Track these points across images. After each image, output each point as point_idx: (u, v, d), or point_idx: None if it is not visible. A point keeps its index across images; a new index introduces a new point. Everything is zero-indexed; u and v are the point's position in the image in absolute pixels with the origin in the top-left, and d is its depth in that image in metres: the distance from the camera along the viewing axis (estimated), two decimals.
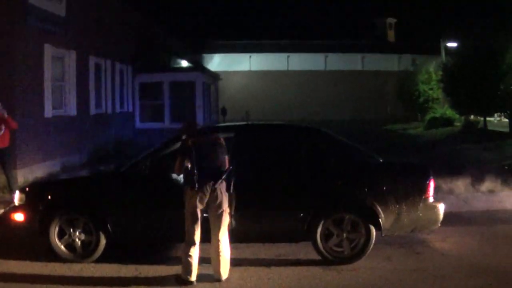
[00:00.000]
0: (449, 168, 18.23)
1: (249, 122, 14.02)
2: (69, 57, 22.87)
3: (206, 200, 8.88)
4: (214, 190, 8.87)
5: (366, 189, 10.04)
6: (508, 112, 36.45)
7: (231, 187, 9.11)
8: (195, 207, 8.84)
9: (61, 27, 21.61)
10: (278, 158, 10.48)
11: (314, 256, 10.17)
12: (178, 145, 9.42)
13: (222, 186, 8.98)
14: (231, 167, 9.10)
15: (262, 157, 10.47)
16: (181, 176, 9.12)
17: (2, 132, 15.92)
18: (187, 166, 8.82)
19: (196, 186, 8.71)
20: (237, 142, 10.23)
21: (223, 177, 8.94)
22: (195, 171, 8.67)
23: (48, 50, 20.61)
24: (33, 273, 9.75)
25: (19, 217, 10.48)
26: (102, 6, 27.42)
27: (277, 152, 10.56)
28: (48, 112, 20.59)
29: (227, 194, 9.06)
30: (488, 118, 42.38)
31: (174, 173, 9.50)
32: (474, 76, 35.33)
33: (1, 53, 17.74)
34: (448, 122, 45.61)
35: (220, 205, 8.97)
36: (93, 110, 26.00)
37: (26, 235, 10.89)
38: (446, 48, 49.68)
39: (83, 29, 24.19)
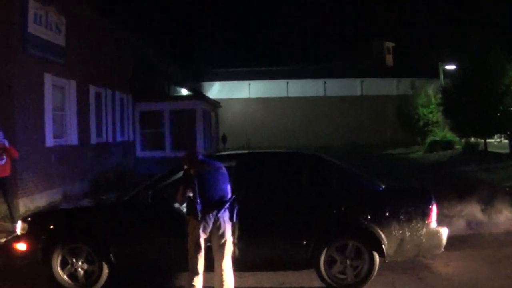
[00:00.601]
0: (451, 191, 18.20)
1: (251, 150, 14.03)
2: (69, 86, 22.96)
3: (209, 229, 8.87)
4: (217, 219, 8.86)
5: (368, 216, 10.01)
6: (508, 133, 36.50)
7: (234, 216, 9.10)
8: (198, 236, 8.83)
9: (61, 57, 21.70)
10: (280, 185, 10.46)
11: (318, 283, 10.14)
12: (180, 174, 9.44)
13: (225, 215, 8.97)
14: (234, 196, 9.09)
15: (264, 185, 10.46)
16: (184, 205, 9.11)
17: (3, 161, 15.95)
18: (190, 196, 8.82)
19: (199, 215, 8.70)
20: (239, 171, 10.24)
21: (226, 206, 8.93)
22: (198, 201, 8.66)
23: (49, 80, 20.69)
24: None
25: (21, 246, 10.46)
26: (101, 36, 27.55)
27: (279, 180, 10.54)
28: (49, 141, 20.63)
29: (230, 222, 9.05)
30: (488, 140, 42.36)
31: (176, 202, 9.51)
32: (472, 97, 35.38)
33: (1, 82, 17.77)
34: (449, 145, 45.59)
35: (223, 234, 8.96)
36: (94, 139, 26.03)
37: (28, 264, 10.89)
38: (445, 70, 49.85)
39: (82, 59, 24.28)
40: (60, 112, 22.35)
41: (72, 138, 23.17)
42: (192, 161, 9.15)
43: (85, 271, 10.28)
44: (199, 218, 8.73)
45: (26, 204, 18.37)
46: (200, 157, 9.36)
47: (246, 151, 12.77)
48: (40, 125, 20.09)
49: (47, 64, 20.54)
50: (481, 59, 35.61)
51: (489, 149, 39.74)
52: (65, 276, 10.24)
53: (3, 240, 14.46)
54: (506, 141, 39.58)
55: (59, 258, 10.21)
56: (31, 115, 19.30)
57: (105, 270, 10.23)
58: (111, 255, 10.14)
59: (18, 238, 10.64)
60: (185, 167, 9.19)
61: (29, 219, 10.96)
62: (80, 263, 10.24)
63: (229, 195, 9.07)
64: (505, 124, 35.00)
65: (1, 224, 16.62)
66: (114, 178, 26.48)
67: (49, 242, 10.31)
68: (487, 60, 34.94)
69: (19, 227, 10.74)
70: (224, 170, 9.20)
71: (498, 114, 34.75)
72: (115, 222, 10.34)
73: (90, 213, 10.90)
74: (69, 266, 10.24)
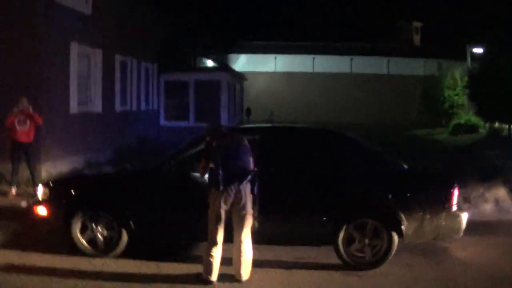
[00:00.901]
0: (474, 175, 18.08)
1: (275, 124, 14.01)
2: (95, 55, 23.00)
3: (230, 201, 8.89)
4: (239, 192, 8.88)
5: (390, 196, 10.00)
6: None
7: (255, 189, 9.11)
8: (219, 207, 8.85)
9: (87, 26, 21.71)
10: (303, 161, 10.44)
11: (335, 260, 10.15)
12: (202, 145, 9.43)
13: (246, 188, 8.98)
14: (256, 169, 9.10)
15: (286, 160, 10.45)
16: (206, 177, 9.12)
17: (27, 127, 16.04)
18: (212, 167, 8.83)
19: (221, 187, 8.72)
20: (262, 144, 10.23)
21: (248, 178, 8.94)
22: (220, 172, 8.68)
23: (74, 48, 20.74)
24: (54, 266, 9.81)
25: (42, 211, 10.57)
26: (127, 5, 27.47)
27: (302, 155, 10.52)
28: (74, 108, 20.72)
29: (251, 195, 9.07)
30: None
31: (198, 174, 9.53)
32: (499, 83, 35.02)
33: (28, 50, 17.84)
34: (473, 128, 45.23)
35: (244, 207, 8.98)
36: (118, 107, 26.13)
37: (49, 229, 10.99)
38: (472, 53, 49.36)
39: (109, 28, 24.26)
40: (85, 80, 22.40)
41: (96, 105, 23.24)
42: (215, 133, 9.15)
43: (105, 238, 10.36)
44: (221, 190, 8.74)
45: (48, 169, 18.47)
46: (223, 129, 9.36)
47: (270, 125, 12.77)
48: (65, 92, 20.17)
49: (73, 32, 20.56)
50: (510, 46, 35.18)
51: None
52: (84, 242, 10.33)
53: (24, 204, 14.59)
54: None
55: (79, 224, 10.30)
56: (56, 82, 19.36)
57: (125, 238, 10.30)
58: (131, 222, 10.21)
59: (39, 203, 10.73)
60: (208, 138, 9.20)
61: (51, 184, 11.04)
62: (100, 229, 10.32)
63: (251, 168, 9.08)
64: None
65: (23, 189, 16.76)
66: (137, 146, 26.58)
67: (70, 207, 10.39)
68: None
69: (40, 192, 10.83)
70: (246, 142, 9.19)
71: None
72: (136, 190, 10.39)
73: (112, 180, 10.97)
74: (88, 231, 10.33)
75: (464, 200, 14.34)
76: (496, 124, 42.96)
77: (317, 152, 10.58)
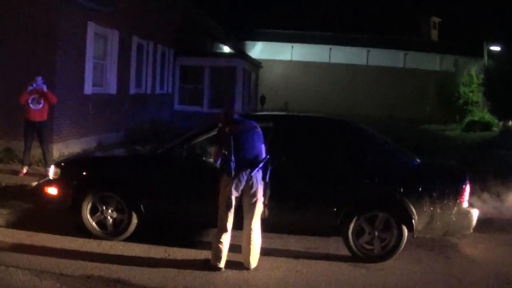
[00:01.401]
0: (486, 173, 18.01)
1: (289, 113, 13.98)
2: (112, 36, 22.99)
3: (241, 188, 8.88)
4: (250, 178, 8.87)
5: (401, 189, 9.95)
6: None
7: (267, 177, 9.09)
8: (230, 194, 8.84)
9: (106, 6, 21.62)
10: (316, 150, 10.41)
11: (344, 252, 10.15)
12: (215, 131, 9.41)
13: (258, 175, 8.97)
14: (268, 156, 9.07)
15: (299, 149, 10.41)
16: (218, 163, 9.10)
17: (41, 106, 16.03)
18: (225, 154, 8.81)
19: (233, 173, 8.70)
20: (275, 132, 10.20)
21: (260, 165, 8.92)
22: (232, 159, 8.66)
23: (92, 28, 20.73)
24: (63, 247, 9.85)
25: (52, 191, 10.57)
26: None
27: (315, 145, 10.49)
28: (88, 89, 20.71)
29: (262, 182, 9.05)
30: None
31: (210, 159, 9.52)
32: None
33: (45, 28, 17.83)
34: (486, 126, 45.03)
35: (255, 194, 8.97)
36: (132, 90, 26.11)
37: (58, 209, 10.99)
38: (489, 51, 49.12)
39: (127, 9, 24.19)
40: (101, 61, 22.40)
41: (111, 87, 23.23)
42: (228, 120, 9.12)
43: (114, 220, 10.40)
44: (232, 176, 8.73)
45: (61, 149, 18.51)
46: (236, 116, 9.33)
47: (283, 113, 12.72)
48: (80, 73, 20.15)
49: (91, 12, 20.48)
50: None
51: None
52: (94, 223, 10.36)
53: (34, 183, 14.61)
54: None
55: (89, 205, 10.33)
56: (72, 62, 19.36)
57: (134, 221, 10.33)
58: (141, 206, 10.22)
59: (50, 183, 10.76)
60: (220, 125, 9.18)
61: (62, 164, 11.06)
62: (110, 211, 10.35)
63: (263, 155, 9.05)
64: None
65: (35, 168, 16.79)
66: (150, 129, 26.58)
67: (80, 188, 10.42)
68: None
69: (51, 171, 10.84)
70: (259, 130, 9.17)
71: None
72: (148, 173, 10.40)
73: (124, 163, 10.99)
74: (98, 213, 10.36)
75: (475, 197, 14.27)
76: (510, 123, 42.81)
77: (330, 143, 10.53)
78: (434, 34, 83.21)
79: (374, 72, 70.32)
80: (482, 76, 45.17)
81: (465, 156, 23.81)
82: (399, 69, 71.99)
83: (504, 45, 41.25)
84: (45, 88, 16.02)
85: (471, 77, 54.87)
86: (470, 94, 54.93)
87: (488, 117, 46.11)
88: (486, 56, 49.46)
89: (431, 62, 71.38)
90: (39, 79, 15.98)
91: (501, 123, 43.85)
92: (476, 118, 47.28)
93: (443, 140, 37.52)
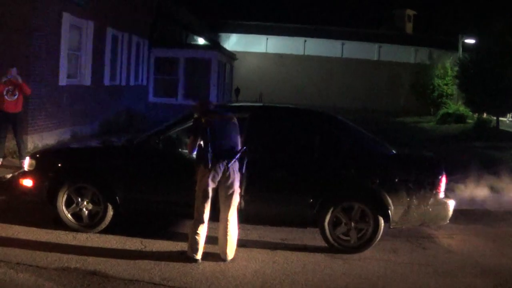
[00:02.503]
0: (460, 165, 18.15)
1: (265, 104, 13.97)
2: (87, 27, 22.87)
3: (218, 179, 8.85)
4: (227, 170, 8.83)
5: (378, 180, 9.97)
6: None
7: (244, 167, 9.08)
8: (207, 185, 8.80)
9: None
10: (292, 141, 10.41)
11: (320, 243, 10.16)
12: (191, 122, 9.37)
13: (235, 166, 8.94)
14: (244, 147, 9.06)
15: (275, 140, 10.42)
16: (194, 154, 9.06)
17: (15, 97, 15.91)
18: (201, 145, 8.78)
19: (210, 164, 8.67)
20: (251, 123, 10.16)
21: (237, 156, 8.90)
22: (209, 150, 8.63)
23: (67, 19, 20.57)
24: (38, 239, 9.76)
25: (27, 182, 10.48)
26: None
27: (291, 136, 10.48)
28: (63, 80, 20.57)
29: (239, 174, 9.04)
30: (500, 118, 42.18)
31: (185, 150, 9.49)
32: (490, 75, 35.12)
33: (19, 19, 17.67)
34: (461, 118, 45.38)
35: (231, 185, 8.94)
36: (107, 81, 26.00)
37: (34, 201, 10.91)
38: (464, 44, 49.41)
39: (102, 1, 24.12)
40: (75, 52, 22.27)
41: (85, 78, 23.11)
42: (204, 110, 9.07)
43: (90, 212, 10.31)
44: (209, 167, 8.69)
45: (35, 141, 18.40)
46: (212, 106, 9.28)
47: (259, 104, 12.71)
48: (55, 64, 20.02)
49: (66, 3, 20.37)
50: (503, 39, 35.19)
51: (501, 127, 39.59)
52: (69, 215, 10.28)
53: (9, 175, 14.51)
54: None
55: (65, 197, 10.24)
56: (47, 53, 19.22)
57: (110, 212, 10.25)
58: (117, 197, 10.16)
59: (25, 174, 10.66)
60: (196, 115, 9.14)
61: (37, 155, 10.96)
62: (85, 203, 10.27)
63: (239, 146, 9.04)
64: None
65: (9, 160, 16.67)
66: (124, 121, 26.54)
67: (55, 180, 10.34)
68: (509, 41, 34.56)
69: (26, 163, 10.78)
70: (235, 120, 9.15)
71: None
72: (123, 164, 10.34)
73: (99, 154, 10.90)
74: (74, 205, 10.27)
75: (451, 188, 14.35)
76: (484, 115, 43.11)
77: (306, 133, 10.52)
78: (409, 27, 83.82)
79: (349, 64, 70.71)
80: (456, 68, 45.39)
81: (440, 148, 23.97)
82: (374, 62, 72.48)
83: (479, 38, 41.45)
84: (19, 80, 15.90)
85: (446, 69, 55.26)
86: (445, 87, 55.32)
87: (462, 109, 46.47)
88: (460, 49, 49.75)
89: (406, 55, 71.93)
90: (14, 70, 15.86)
91: (475, 116, 44.13)
92: (450, 111, 47.68)
93: (418, 132, 37.78)
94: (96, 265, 8.64)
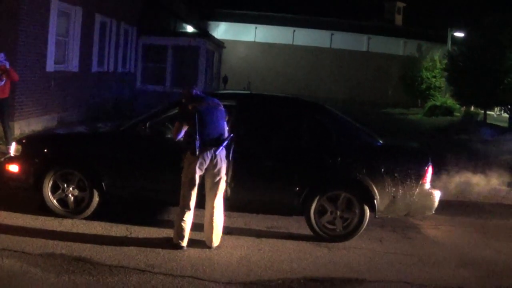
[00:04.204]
0: (447, 157, 18.21)
1: (252, 92, 13.95)
2: (75, 13, 22.78)
3: (205, 166, 8.84)
4: (214, 157, 8.83)
5: (364, 169, 10.00)
6: (509, 107, 36.40)
7: (231, 155, 9.08)
8: (194, 172, 8.79)
9: None
10: (279, 130, 10.42)
11: (306, 231, 10.18)
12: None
13: (222, 153, 8.94)
14: (231, 135, 9.05)
15: (262, 128, 10.42)
16: (181, 140, 9.04)
17: (3, 83, 15.80)
18: (188, 131, 8.76)
19: (197, 151, 8.65)
20: (239, 111, 10.14)
21: (224, 144, 8.89)
22: (197, 137, 8.61)
23: (55, 5, 20.46)
24: (24, 225, 9.72)
25: (13, 168, 10.41)
26: None
27: (278, 124, 10.48)
28: (50, 66, 20.49)
29: (226, 161, 9.03)
30: (488, 112, 42.38)
31: (172, 136, 9.47)
32: (478, 68, 35.24)
33: (7, 4, 17.57)
34: (448, 111, 45.55)
35: (218, 172, 8.94)
36: (95, 68, 25.93)
37: (20, 186, 10.85)
38: (453, 37, 49.52)
39: None
40: (63, 38, 22.18)
41: (73, 65, 23.04)
42: (191, 97, 9.05)
43: (76, 198, 10.26)
44: (196, 154, 8.68)
45: (22, 127, 18.33)
46: (199, 93, 9.25)
47: (247, 92, 12.69)
48: (42, 50, 19.91)
49: None
50: (492, 33, 35.28)
51: (488, 121, 39.75)
52: (55, 201, 10.22)
53: None
54: (506, 114, 39.58)
55: (51, 183, 10.18)
56: (35, 39, 19.11)
57: (96, 198, 10.21)
58: (103, 183, 10.12)
59: (11, 160, 10.58)
60: (184, 101, 9.10)
61: (24, 141, 10.88)
62: (71, 189, 10.20)
63: (227, 133, 9.03)
64: (507, 97, 34.94)
65: None
66: (112, 108, 26.48)
67: (42, 165, 10.27)
68: (499, 35, 34.65)
69: (13, 148, 10.71)
70: (222, 107, 9.13)
71: (502, 88, 34.68)
72: (110, 151, 10.29)
73: (86, 140, 10.86)
74: (60, 191, 10.21)
75: (437, 179, 14.40)
76: (472, 108, 43.28)
77: (294, 122, 10.52)
78: (399, 19, 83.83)
79: (337, 55, 70.79)
80: (445, 61, 45.53)
81: (427, 139, 24.04)
82: (363, 53, 72.55)
83: (468, 32, 41.55)
84: (7, 65, 15.80)
85: (434, 62, 55.40)
86: (433, 79, 55.46)
87: (450, 102, 46.64)
88: (449, 42, 49.86)
89: (395, 47, 72.03)
90: (1, 56, 15.73)
91: (463, 109, 44.28)
92: (438, 103, 47.88)
93: (405, 124, 37.87)
94: (81, 251, 8.63)
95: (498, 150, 23.17)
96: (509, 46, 34.09)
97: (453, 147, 23.55)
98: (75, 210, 10.26)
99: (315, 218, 9.97)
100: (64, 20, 22.08)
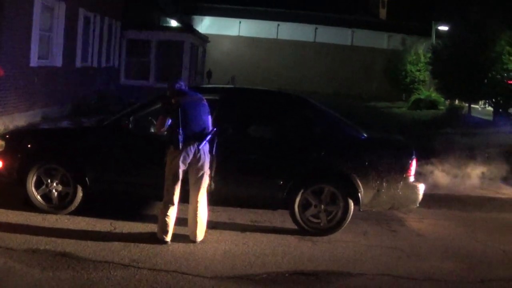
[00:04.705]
0: (431, 150, 18.26)
1: (236, 86, 13.95)
2: (58, 7, 22.64)
3: (189, 161, 8.83)
4: (198, 151, 8.82)
5: (348, 162, 10.02)
6: (494, 100, 36.52)
7: (214, 149, 9.07)
8: (178, 167, 8.78)
9: None
10: (262, 124, 10.46)
11: (290, 225, 10.19)
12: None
13: (205, 148, 8.93)
14: (215, 129, 9.03)
15: (246, 122, 10.44)
16: (165, 134, 9.03)
17: None
18: (172, 126, 8.75)
19: (181, 146, 8.64)
20: (222, 105, 10.14)
21: (208, 138, 8.88)
22: (180, 131, 8.60)
23: None
24: (7, 221, 9.68)
25: None
26: None
27: (262, 118, 10.54)
28: (34, 61, 20.36)
29: (209, 155, 9.03)
30: (472, 105, 42.51)
31: (155, 131, 9.45)
32: (462, 62, 35.32)
33: None
34: (433, 104, 45.63)
35: (202, 167, 8.94)
36: (78, 63, 25.80)
37: (3, 182, 10.80)
38: (437, 30, 49.57)
39: None
40: (47, 33, 22.04)
41: (56, 60, 22.90)
42: (175, 91, 9.03)
43: (59, 193, 10.23)
44: (180, 148, 8.67)
45: (5, 123, 18.22)
46: (183, 87, 9.23)
47: (230, 86, 12.69)
48: (26, 45, 19.78)
49: None
50: (477, 27, 35.34)
51: (472, 114, 39.87)
52: (39, 197, 10.19)
53: None
54: (490, 108, 39.72)
55: (34, 178, 10.15)
56: (18, 33, 19.00)
57: (80, 194, 10.19)
58: (86, 178, 10.10)
59: None
60: (168, 94, 9.08)
61: (7, 136, 10.86)
62: (55, 184, 10.17)
63: (210, 128, 9.01)
64: (491, 91, 35.04)
65: None
66: (96, 103, 26.36)
67: (25, 160, 10.24)
68: (483, 29, 34.72)
69: None
70: (205, 102, 9.11)
71: (486, 81, 34.79)
72: (93, 145, 10.29)
73: (69, 135, 10.86)
74: (43, 186, 10.18)
75: (421, 172, 14.45)
76: (456, 102, 43.40)
77: (277, 116, 10.57)
78: (383, 12, 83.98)
79: (321, 49, 70.76)
80: (429, 55, 45.62)
81: (411, 132, 24.08)
82: (347, 47, 72.55)
83: (452, 25, 41.62)
84: None
85: (419, 56, 55.46)
86: (417, 73, 55.53)
87: (434, 95, 46.77)
88: (434, 36, 49.93)
89: (379, 41, 72.06)
90: None
91: (447, 102, 44.40)
92: (422, 96, 47.96)
93: (389, 117, 37.93)
94: (65, 246, 8.61)
95: (482, 143, 23.24)
96: (493, 39, 34.18)
97: (437, 140, 23.57)
98: (59, 205, 10.23)
99: (299, 212, 9.98)
100: (47, 15, 21.95)
